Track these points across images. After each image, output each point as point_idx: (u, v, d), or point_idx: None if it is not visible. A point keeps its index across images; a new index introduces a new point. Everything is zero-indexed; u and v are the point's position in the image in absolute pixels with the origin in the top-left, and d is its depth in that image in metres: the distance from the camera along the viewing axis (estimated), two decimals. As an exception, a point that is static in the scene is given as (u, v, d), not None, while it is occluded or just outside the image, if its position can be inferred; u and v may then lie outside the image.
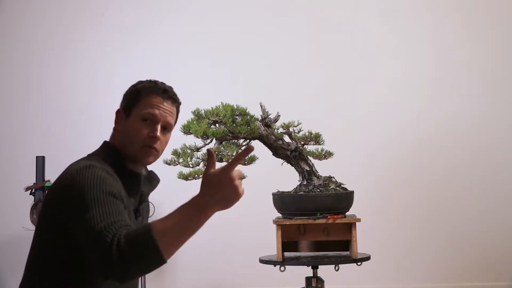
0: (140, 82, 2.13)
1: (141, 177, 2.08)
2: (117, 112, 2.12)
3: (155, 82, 2.12)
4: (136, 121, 2.06)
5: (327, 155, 3.32)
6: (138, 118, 2.06)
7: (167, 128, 2.11)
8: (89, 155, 2.05)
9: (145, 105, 2.07)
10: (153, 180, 2.18)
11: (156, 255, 1.64)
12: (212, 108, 3.20)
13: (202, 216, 1.68)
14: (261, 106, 3.28)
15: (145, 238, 1.64)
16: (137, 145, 2.04)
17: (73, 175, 1.85)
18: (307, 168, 3.27)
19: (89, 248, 1.70)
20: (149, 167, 2.20)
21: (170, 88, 2.14)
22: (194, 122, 3.18)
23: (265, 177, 3.96)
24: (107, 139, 2.12)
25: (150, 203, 2.32)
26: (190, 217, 1.67)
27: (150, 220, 2.12)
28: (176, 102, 2.14)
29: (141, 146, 2.04)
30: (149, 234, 1.64)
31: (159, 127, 2.06)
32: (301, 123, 3.29)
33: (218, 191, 1.68)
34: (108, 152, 2.04)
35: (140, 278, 4.26)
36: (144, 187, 2.12)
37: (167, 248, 1.65)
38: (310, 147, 3.32)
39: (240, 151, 3.14)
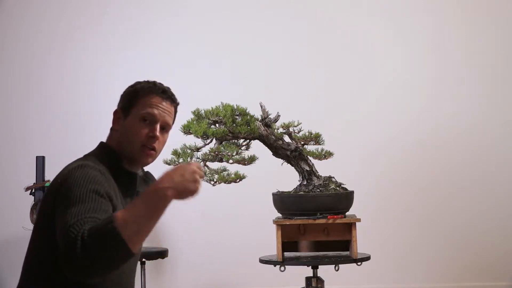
0: (138, 83, 2.13)
1: (138, 177, 2.09)
2: (115, 113, 2.11)
3: (154, 82, 2.12)
4: (135, 121, 2.05)
5: (327, 155, 3.32)
6: (137, 118, 2.05)
7: (165, 128, 2.10)
8: (85, 156, 2.05)
9: (144, 105, 2.06)
10: (149, 181, 2.17)
11: (120, 245, 1.63)
12: (212, 108, 3.21)
13: (161, 201, 1.68)
14: (261, 106, 3.28)
15: (107, 229, 1.63)
16: (136, 145, 2.04)
17: (66, 175, 1.87)
18: (307, 168, 3.27)
19: (60, 244, 1.70)
20: (147, 167, 2.20)
21: (168, 88, 2.14)
22: (194, 122, 3.18)
23: (265, 177, 3.96)
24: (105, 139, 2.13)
25: None
26: (151, 202, 1.68)
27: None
28: (174, 102, 2.14)
29: (140, 146, 2.04)
30: (111, 224, 1.63)
31: (158, 127, 2.06)
32: (301, 123, 3.29)
33: (178, 178, 1.69)
34: (104, 153, 2.05)
35: (140, 278, 4.26)
36: (140, 188, 2.12)
37: (131, 237, 1.65)
38: (310, 147, 3.32)
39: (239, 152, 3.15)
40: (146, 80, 2.14)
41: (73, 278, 1.69)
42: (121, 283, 1.98)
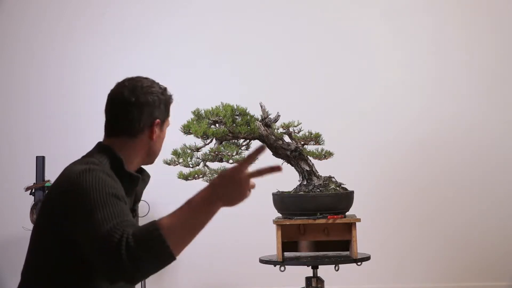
0: (161, 89, 2.10)
1: (140, 179, 2.07)
2: (157, 124, 2.07)
3: (166, 89, 2.14)
4: (164, 131, 2.14)
5: (327, 155, 3.32)
6: (165, 128, 2.14)
7: None
8: (85, 158, 2.02)
9: (169, 115, 2.14)
10: (145, 178, 2.16)
11: (165, 252, 1.65)
12: (212, 108, 3.20)
13: (210, 208, 1.70)
14: (261, 106, 3.28)
15: (153, 236, 1.65)
16: (159, 152, 2.13)
17: (74, 179, 1.84)
18: (307, 168, 3.27)
19: (96, 251, 1.69)
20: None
21: None
22: (194, 122, 3.18)
23: (265, 177, 3.95)
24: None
25: (144, 202, 2.32)
26: (199, 210, 1.70)
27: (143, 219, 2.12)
28: None
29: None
30: (158, 231, 1.65)
31: None
32: (301, 123, 3.29)
33: (235, 193, 1.74)
34: (105, 155, 2.01)
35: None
36: (138, 186, 2.11)
37: (177, 244, 1.67)
38: (310, 147, 3.32)
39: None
40: (158, 84, 2.12)
41: (114, 283, 1.70)
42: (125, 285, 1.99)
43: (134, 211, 2.09)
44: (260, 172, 1.76)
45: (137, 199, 2.12)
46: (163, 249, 1.64)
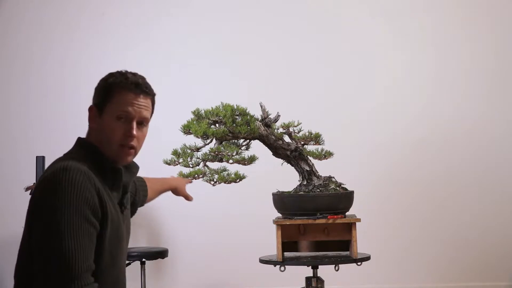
0: (111, 75, 2.03)
1: (122, 171, 2.02)
2: (90, 109, 2.03)
3: (126, 75, 2.01)
4: (111, 120, 1.97)
5: (327, 155, 3.32)
6: (113, 117, 1.97)
7: (142, 123, 2.02)
8: (67, 155, 1.98)
9: (118, 102, 1.98)
10: (132, 168, 2.10)
11: None
12: (212, 108, 3.20)
13: None
14: (261, 106, 3.28)
15: None
16: (114, 145, 1.97)
17: (50, 179, 1.84)
18: (307, 168, 3.27)
19: (49, 276, 1.79)
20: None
21: (143, 79, 2.03)
22: (194, 122, 3.18)
23: (265, 177, 3.96)
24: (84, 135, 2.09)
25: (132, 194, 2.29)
26: None
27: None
28: (149, 94, 2.03)
29: (118, 146, 1.97)
30: None
31: (134, 125, 1.98)
32: (301, 123, 3.29)
33: None
34: (84, 150, 1.98)
35: (140, 278, 4.26)
36: (125, 178, 2.05)
37: None
38: (310, 147, 3.32)
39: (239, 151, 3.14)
40: (119, 71, 2.04)
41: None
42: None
43: (122, 204, 2.05)
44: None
45: (125, 190, 2.07)
46: None
